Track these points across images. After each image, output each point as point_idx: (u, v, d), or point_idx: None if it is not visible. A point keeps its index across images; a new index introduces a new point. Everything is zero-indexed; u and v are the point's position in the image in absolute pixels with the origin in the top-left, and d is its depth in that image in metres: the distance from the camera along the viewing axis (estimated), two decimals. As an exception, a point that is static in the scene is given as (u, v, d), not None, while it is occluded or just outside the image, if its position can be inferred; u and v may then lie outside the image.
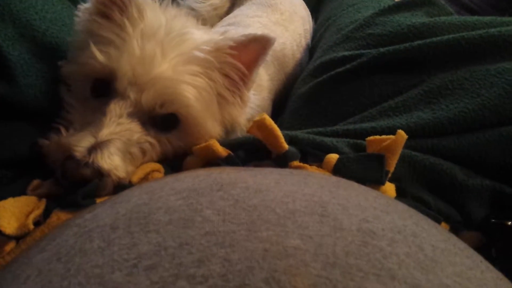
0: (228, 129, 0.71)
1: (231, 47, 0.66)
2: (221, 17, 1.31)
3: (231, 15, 1.23)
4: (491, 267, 0.40)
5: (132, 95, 0.59)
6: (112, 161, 0.55)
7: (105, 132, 0.56)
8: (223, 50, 0.65)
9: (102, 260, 0.31)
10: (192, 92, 0.62)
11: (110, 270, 0.30)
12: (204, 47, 0.64)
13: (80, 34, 0.65)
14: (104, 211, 0.40)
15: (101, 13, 0.65)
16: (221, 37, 0.67)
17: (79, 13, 0.67)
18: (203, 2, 1.33)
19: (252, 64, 0.68)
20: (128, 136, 0.59)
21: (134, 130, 0.60)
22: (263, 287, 0.27)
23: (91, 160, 0.53)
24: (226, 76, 0.67)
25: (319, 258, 0.30)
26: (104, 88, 0.61)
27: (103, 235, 0.35)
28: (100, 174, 0.54)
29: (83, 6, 0.67)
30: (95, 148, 0.54)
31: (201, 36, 0.67)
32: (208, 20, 1.28)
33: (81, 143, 0.54)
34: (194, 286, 0.27)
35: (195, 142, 0.63)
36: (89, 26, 0.64)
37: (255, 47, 0.66)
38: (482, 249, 0.54)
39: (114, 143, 0.56)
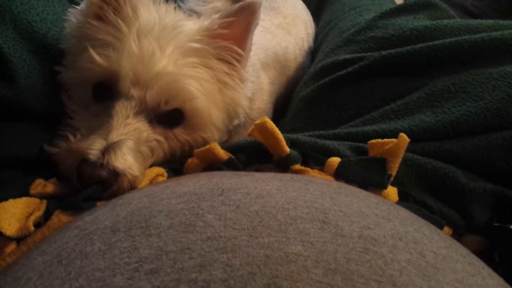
0: (231, 114, 0.72)
1: (220, 26, 0.66)
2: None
3: (233, 17, 1.22)
4: (492, 273, 0.40)
5: (136, 94, 0.59)
6: (126, 161, 0.56)
7: (115, 133, 0.57)
8: (214, 33, 0.66)
9: (103, 263, 0.31)
10: (195, 85, 0.63)
11: (111, 274, 0.30)
12: (198, 37, 0.65)
13: (74, 39, 0.65)
14: (105, 214, 0.40)
15: (96, 15, 0.65)
16: (209, 21, 0.67)
17: (71, 17, 0.66)
18: (205, 5, 1.33)
19: (244, 34, 0.68)
20: (137, 135, 0.59)
21: (142, 129, 0.61)
22: None
23: (105, 161, 0.54)
24: (223, 60, 0.68)
25: (320, 264, 0.30)
26: (106, 91, 0.61)
27: (104, 238, 0.35)
28: (115, 174, 0.54)
29: (74, 9, 0.67)
30: (108, 149, 0.55)
31: (192, 26, 0.67)
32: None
33: (94, 146, 0.55)
34: None
35: (201, 134, 0.65)
36: (83, 30, 0.64)
37: (244, 16, 0.67)
38: (485, 253, 0.54)
39: (126, 143, 0.57)
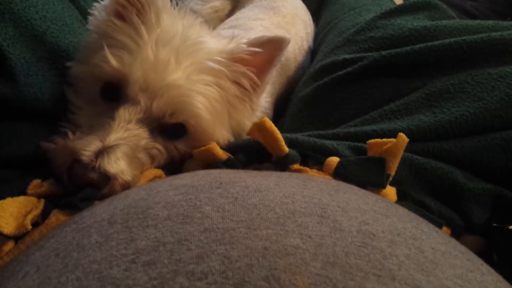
0: (236, 136, 0.71)
1: (244, 52, 0.65)
2: (222, 20, 1.31)
3: (232, 17, 1.23)
4: (491, 270, 0.40)
5: (143, 101, 0.59)
6: (118, 166, 0.55)
7: (113, 137, 0.56)
8: (236, 57, 0.65)
9: (100, 255, 0.31)
10: (203, 102, 0.61)
11: (108, 266, 0.30)
12: (218, 57, 0.64)
13: (93, 35, 0.65)
14: (102, 208, 0.40)
15: (118, 14, 0.64)
16: (234, 45, 0.66)
17: (95, 12, 0.66)
18: (204, 4, 1.33)
19: (266, 66, 0.68)
20: (136, 142, 0.59)
21: (141, 136, 0.60)
22: (263, 285, 0.27)
23: (97, 164, 0.53)
24: (237, 83, 0.67)
25: (319, 258, 0.30)
26: (114, 92, 0.61)
27: (101, 230, 0.35)
28: (106, 178, 0.54)
29: (99, 4, 0.66)
30: (102, 152, 0.54)
31: (215, 45, 0.67)
32: (209, 22, 1.28)
33: (88, 147, 0.54)
34: (193, 283, 0.27)
35: None
36: (104, 27, 0.64)
37: (269, 49, 0.66)
38: (484, 254, 0.54)
39: (121, 148, 0.56)
